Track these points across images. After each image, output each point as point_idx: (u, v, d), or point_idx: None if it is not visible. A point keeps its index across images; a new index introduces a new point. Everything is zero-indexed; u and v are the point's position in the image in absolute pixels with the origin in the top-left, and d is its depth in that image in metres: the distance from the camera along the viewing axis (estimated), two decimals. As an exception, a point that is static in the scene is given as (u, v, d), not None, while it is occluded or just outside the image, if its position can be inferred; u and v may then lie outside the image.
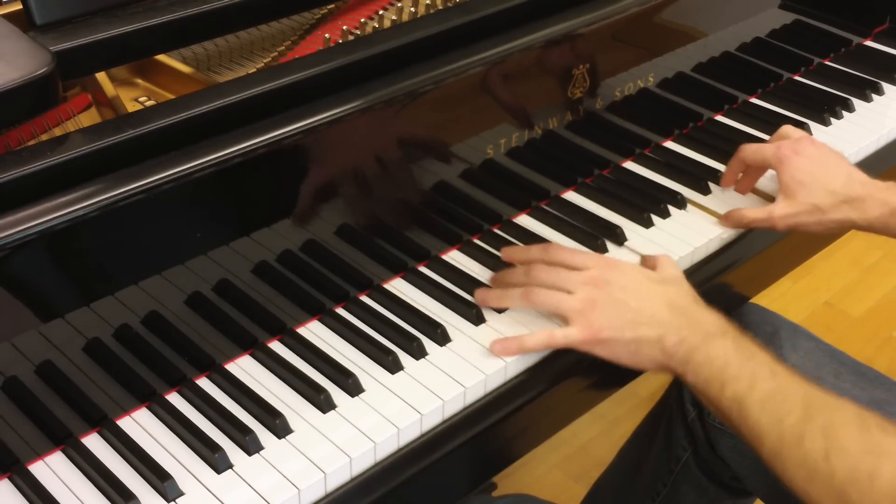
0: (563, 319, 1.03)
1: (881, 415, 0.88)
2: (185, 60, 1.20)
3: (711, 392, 0.94)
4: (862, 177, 1.20)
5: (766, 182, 1.30)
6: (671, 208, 1.28)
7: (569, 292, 1.02)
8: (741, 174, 1.30)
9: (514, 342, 1.03)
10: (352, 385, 0.99)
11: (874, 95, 1.56)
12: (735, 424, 0.93)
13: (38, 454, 0.92)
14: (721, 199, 1.31)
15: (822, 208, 1.18)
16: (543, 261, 1.07)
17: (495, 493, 1.64)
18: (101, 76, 1.08)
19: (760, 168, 1.27)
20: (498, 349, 1.03)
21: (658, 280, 1.04)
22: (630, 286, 1.01)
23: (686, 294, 1.03)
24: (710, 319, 0.99)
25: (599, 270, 1.03)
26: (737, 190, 1.31)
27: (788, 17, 1.56)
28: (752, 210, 1.23)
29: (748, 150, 1.26)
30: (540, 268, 1.06)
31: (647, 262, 1.11)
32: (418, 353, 1.04)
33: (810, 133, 1.45)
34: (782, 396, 0.90)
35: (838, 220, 1.18)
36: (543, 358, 1.06)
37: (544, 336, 1.02)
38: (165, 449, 0.94)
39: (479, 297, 1.09)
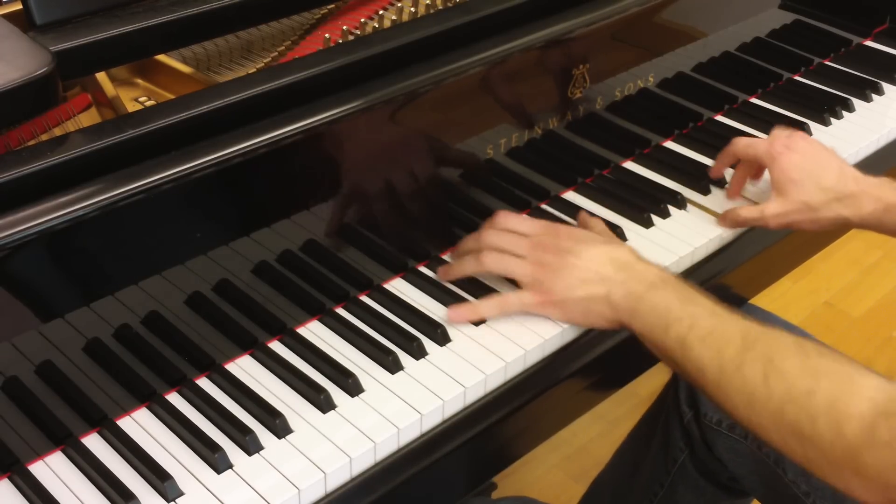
0: (515, 285, 1.07)
1: (819, 342, 0.90)
2: (185, 60, 1.20)
3: (656, 337, 0.98)
4: (854, 173, 1.19)
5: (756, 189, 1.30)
6: (671, 208, 1.28)
7: (519, 257, 1.06)
8: (732, 168, 1.30)
9: (467, 308, 1.07)
10: (352, 385, 0.99)
11: (874, 95, 1.56)
12: (679, 364, 0.96)
13: (38, 454, 0.92)
14: (721, 199, 1.31)
15: (814, 206, 1.18)
16: (492, 228, 1.11)
17: (495, 494, 1.64)
18: (101, 76, 1.08)
19: (750, 166, 1.27)
20: (452, 315, 1.07)
21: (601, 240, 1.08)
22: (575, 248, 1.05)
23: (628, 250, 1.06)
24: (653, 271, 1.03)
25: (546, 235, 1.08)
26: (727, 195, 1.30)
27: (788, 17, 1.56)
28: (746, 209, 1.23)
29: (740, 144, 1.25)
30: (490, 232, 1.10)
31: (583, 220, 1.17)
32: (418, 353, 1.04)
33: (810, 134, 1.45)
34: (722, 330, 0.93)
35: (831, 217, 1.18)
36: (544, 358, 1.06)
37: (498, 301, 1.07)
38: (165, 449, 0.94)
39: (440, 273, 1.13)
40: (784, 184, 1.19)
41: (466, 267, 1.11)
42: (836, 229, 1.23)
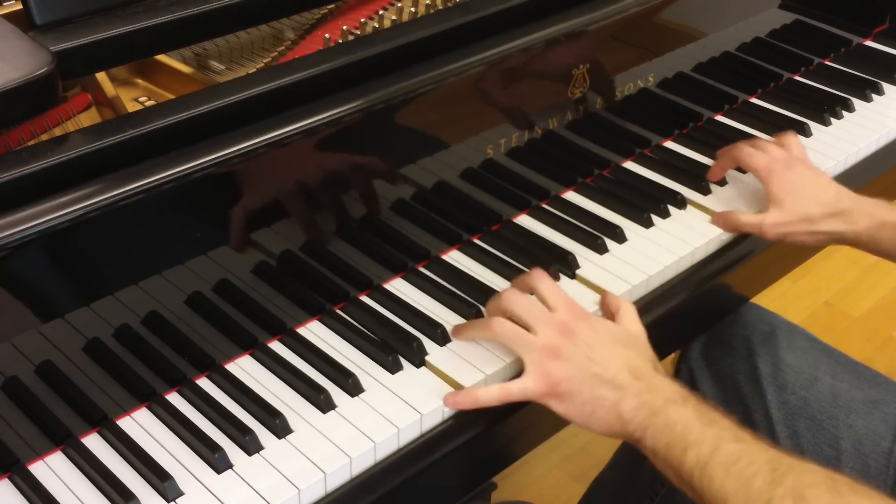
0: (519, 360, 1.00)
1: (850, 476, 0.86)
2: (185, 60, 1.20)
3: (672, 457, 0.91)
4: (850, 193, 1.21)
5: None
6: (671, 208, 1.28)
7: (534, 332, 0.99)
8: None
9: (468, 395, 0.99)
10: (352, 385, 0.99)
11: (874, 95, 1.56)
12: (697, 490, 0.90)
13: (38, 454, 0.92)
14: (721, 199, 1.31)
15: (812, 218, 1.19)
16: (522, 282, 1.05)
17: (494, 494, 1.64)
18: (101, 76, 1.08)
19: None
20: (450, 402, 0.99)
21: (622, 341, 1.00)
22: (595, 343, 0.98)
23: (647, 359, 1.00)
24: (670, 386, 0.96)
25: (569, 317, 1.00)
26: (708, 175, 1.33)
27: (788, 17, 1.56)
28: (746, 214, 1.23)
29: (743, 154, 1.26)
30: (513, 292, 1.03)
31: (609, 302, 1.08)
32: (418, 352, 1.04)
33: (811, 133, 1.45)
34: (748, 459, 0.87)
35: (827, 231, 1.19)
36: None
37: (499, 390, 0.98)
38: (165, 449, 0.94)
39: (453, 332, 1.07)
40: (781, 196, 1.20)
41: (475, 331, 1.04)
42: (830, 244, 1.24)
